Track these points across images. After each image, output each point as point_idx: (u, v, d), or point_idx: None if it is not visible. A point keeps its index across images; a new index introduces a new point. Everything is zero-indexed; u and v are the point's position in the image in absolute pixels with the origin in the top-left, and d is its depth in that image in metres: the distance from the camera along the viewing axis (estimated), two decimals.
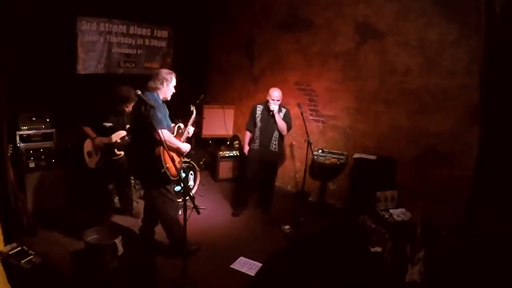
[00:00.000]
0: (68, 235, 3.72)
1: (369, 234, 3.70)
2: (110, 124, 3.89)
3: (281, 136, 4.31)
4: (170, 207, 3.33)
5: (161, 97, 3.21)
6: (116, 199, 4.54)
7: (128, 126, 3.99)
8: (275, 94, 4.12)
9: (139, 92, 2.83)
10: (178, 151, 3.31)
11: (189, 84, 4.52)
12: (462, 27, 3.63)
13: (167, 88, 3.23)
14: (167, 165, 3.06)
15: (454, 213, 3.41)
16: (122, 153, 3.99)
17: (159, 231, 3.95)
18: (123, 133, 3.95)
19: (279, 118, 4.17)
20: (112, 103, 3.85)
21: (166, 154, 3.01)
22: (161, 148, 3.01)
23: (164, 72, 3.24)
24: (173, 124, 3.40)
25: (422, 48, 3.96)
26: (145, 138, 3.04)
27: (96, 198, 4.26)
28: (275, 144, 4.27)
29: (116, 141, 3.89)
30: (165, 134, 3.01)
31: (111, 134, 3.89)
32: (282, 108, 4.26)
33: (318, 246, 3.68)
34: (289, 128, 4.30)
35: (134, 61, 5.33)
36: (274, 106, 4.11)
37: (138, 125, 3.11)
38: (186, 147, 3.34)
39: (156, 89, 3.20)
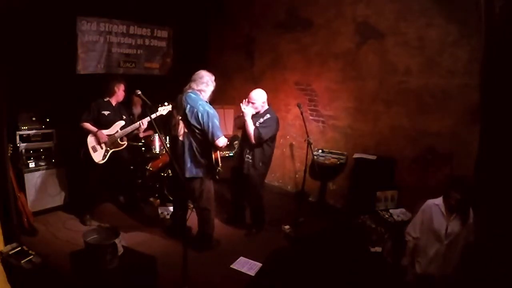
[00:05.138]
0: (68, 235, 3.73)
1: (369, 234, 3.70)
2: (108, 112, 4.03)
3: (263, 149, 3.73)
4: (211, 201, 3.59)
5: (205, 99, 3.35)
6: (121, 198, 4.57)
7: (124, 117, 4.16)
8: (250, 94, 3.69)
9: (139, 92, 2.83)
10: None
11: None
12: (462, 27, 3.63)
13: (211, 90, 3.40)
14: (221, 165, 3.48)
15: None
16: (126, 142, 4.11)
17: (158, 231, 3.97)
18: (121, 123, 4.07)
19: (248, 120, 3.62)
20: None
21: (219, 156, 3.43)
22: (217, 152, 3.39)
23: (207, 74, 3.38)
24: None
25: (422, 48, 3.96)
26: (202, 141, 3.28)
27: (99, 195, 4.29)
28: (251, 154, 3.73)
29: (117, 131, 4.02)
30: (222, 141, 3.25)
31: (110, 125, 4.02)
32: (267, 114, 3.74)
33: (318, 246, 3.68)
34: (259, 137, 3.61)
35: (134, 61, 5.33)
36: (243, 107, 3.65)
37: (192, 127, 3.27)
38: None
39: (200, 91, 3.35)
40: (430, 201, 2.92)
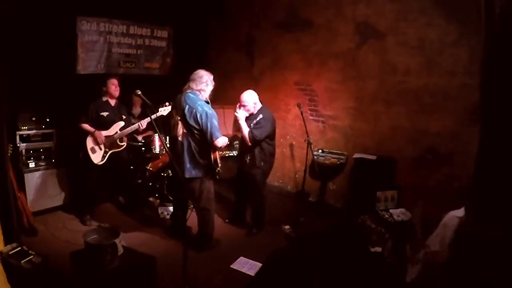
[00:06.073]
0: (68, 235, 3.74)
1: (369, 234, 3.70)
2: (107, 113, 4.02)
3: (262, 148, 3.76)
4: (211, 201, 3.58)
5: (204, 99, 3.36)
6: (121, 198, 4.57)
7: (124, 117, 4.15)
8: (241, 98, 3.71)
9: (139, 92, 2.83)
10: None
11: None
12: (462, 27, 3.63)
13: (210, 89, 3.40)
14: (220, 165, 3.44)
15: None
16: (125, 143, 4.11)
17: (158, 231, 3.97)
18: (121, 123, 4.06)
19: (242, 124, 3.66)
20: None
21: (218, 156, 3.42)
22: (216, 152, 3.38)
23: (206, 73, 3.38)
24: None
25: (422, 48, 3.96)
26: (201, 141, 3.29)
27: (99, 195, 4.29)
28: (251, 155, 3.76)
29: (116, 132, 4.00)
30: (221, 141, 3.26)
31: (110, 126, 4.01)
32: (260, 114, 3.74)
33: (318, 246, 3.68)
34: (254, 139, 3.63)
35: (134, 61, 5.33)
36: (237, 111, 3.69)
37: (191, 127, 3.27)
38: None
39: (199, 91, 3.34)
40: (452, 214, 2.79)
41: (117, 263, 2.62)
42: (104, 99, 4.07)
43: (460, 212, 2.76)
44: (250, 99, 3.73)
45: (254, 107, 3.76)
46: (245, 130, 3.66)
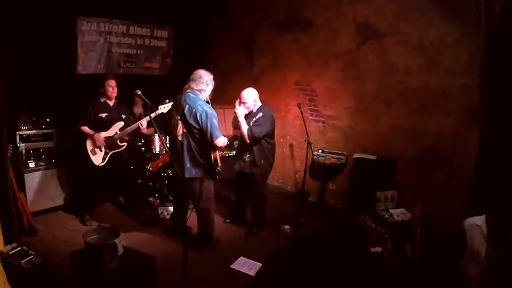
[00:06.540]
0: (68, 235, 3.74)
1: (369, 234, 3.70)
2: (106, 114, 4.00)
3: (261, 146, 3.75)
4: (211, 201, 3.60)
5: (204, 98, 3.36)
6: (121, 198, 4.57)
7: (124, 116, 4.13)
8: (241, 95, 3.69)
9: (139, 92, 2.84)
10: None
11: None
12: (462, 27, 3.62)
13: (210, 89, 3.40)
14: (220, 165, 3.43)
15: (454, 213, 3.41)
16: (125, 144, 4.10)
17: (158, 231, 3.97)
18: (120, 124, 4.04)
19: (242, 121, 3.64)
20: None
21: (218, 156, 3.42)
22: (217, 151, 3.39)
23: (206, 73, 3.38)
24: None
25: (422, 48, 3.96)
26: (201, 141, 3.29)
27: (99, 195, 4.29)
28: (251, 154, 3.74)
29: (116, 132, 3.98)
30: (221, 141, 3.25)
31: (109, 127, 3.99)
32: (259, 112, 3.72)
33: (318, 246, 3.68)
34: (253, 136, 3.61)
35: (134, 61, 5.34)
36: (237, 108, 3.66)
37: (191, 127, 3.28)
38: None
39: (200, 91, 3.34)
40: (471, 221, 2.75)
41: (117, 263, 2.62)
42: (102, 100, 4.05)
43: (479, 221, 2.63)
44: (250, 96, 3.72)
45: (254, 105, 3.75)
46: (244, 127, 3.64)
